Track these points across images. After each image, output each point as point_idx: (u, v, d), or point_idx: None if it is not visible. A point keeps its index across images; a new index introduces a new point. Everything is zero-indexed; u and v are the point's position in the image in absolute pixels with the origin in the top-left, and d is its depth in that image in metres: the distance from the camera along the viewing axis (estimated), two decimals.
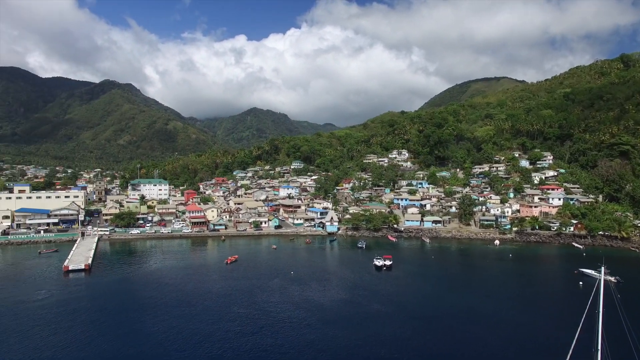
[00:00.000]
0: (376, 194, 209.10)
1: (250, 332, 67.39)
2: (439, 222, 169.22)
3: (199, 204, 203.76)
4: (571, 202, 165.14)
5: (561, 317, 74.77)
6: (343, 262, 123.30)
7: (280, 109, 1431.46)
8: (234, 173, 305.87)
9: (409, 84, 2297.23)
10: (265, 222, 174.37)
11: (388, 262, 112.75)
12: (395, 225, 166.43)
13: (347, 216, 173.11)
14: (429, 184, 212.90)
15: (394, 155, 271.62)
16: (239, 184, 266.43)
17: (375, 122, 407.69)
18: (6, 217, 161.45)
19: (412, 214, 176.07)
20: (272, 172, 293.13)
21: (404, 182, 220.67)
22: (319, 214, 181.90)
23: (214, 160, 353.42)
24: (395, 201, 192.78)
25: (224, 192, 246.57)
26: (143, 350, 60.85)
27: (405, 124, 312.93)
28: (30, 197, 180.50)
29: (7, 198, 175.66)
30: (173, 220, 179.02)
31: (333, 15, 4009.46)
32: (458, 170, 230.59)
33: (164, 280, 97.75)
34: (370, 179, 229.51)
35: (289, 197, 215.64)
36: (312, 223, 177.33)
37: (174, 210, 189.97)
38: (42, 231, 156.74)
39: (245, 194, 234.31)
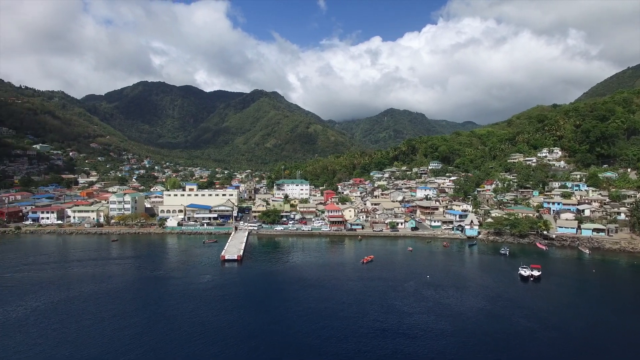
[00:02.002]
0: (522, 197, 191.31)
1: (381, 331, 69.11)
2: (601, 230, 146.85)
3: (338, 203, 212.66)
4: None
5: None
6: (483, 268, 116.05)
7: (417, 108, 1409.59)
8: (371, 174, 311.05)
9: (563, 72, 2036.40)
10: (401, 223, 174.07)
11: (536, 273, 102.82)
12: (545, 232, 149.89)
13: (489, 220, 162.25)
14: (588, 186, 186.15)
15: (543, 154, 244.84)
16: (376, 185, 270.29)
17: (521, 117, 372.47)
18: (180, 211, 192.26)
19: (567, 220, 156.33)
20: (409, 172, 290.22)
21: (556, 184, 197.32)
22: (457, 216, 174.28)
23: (351, 161, 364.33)
24: (545, 205, 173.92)
25: (361, 193, 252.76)
26: (283, 335, 67.34)
27: (558, 118, 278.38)
28: (197, 195, 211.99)
29: (181, 195, 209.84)
30: (313, 219, 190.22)
31: (471, 6, 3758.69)
32: (629, 170, 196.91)
33: (304, 275, 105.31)
34: (515, 180, 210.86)
35: (426, 198, 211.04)
36: (451, 226, 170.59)
37: (314, 209, 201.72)
38: (205, 224, 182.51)
39: (382, 194, 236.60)
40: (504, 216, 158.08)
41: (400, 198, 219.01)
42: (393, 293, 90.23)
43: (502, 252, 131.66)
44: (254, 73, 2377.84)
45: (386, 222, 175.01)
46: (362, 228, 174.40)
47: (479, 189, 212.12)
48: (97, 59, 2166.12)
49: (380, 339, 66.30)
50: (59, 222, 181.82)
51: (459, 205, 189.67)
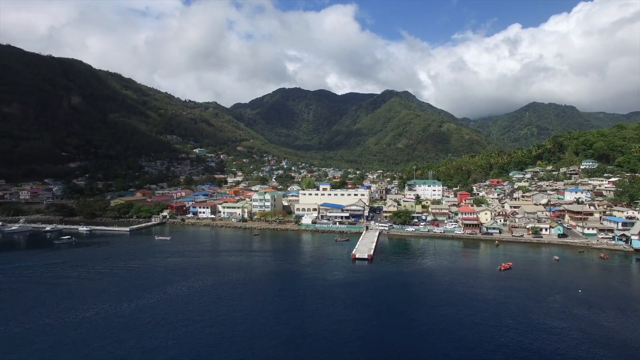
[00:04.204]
0: None
1: (520, 345, 63.48)
2: None
3: (472, 205, 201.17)
4: None
5: None
6: None
7: (566, 100, 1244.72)
8: (510, 174, 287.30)
9: None
10: (546, 229, 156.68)
11: None
12: None
13: None
14: None
15: None
16: (515, 186, 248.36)
17: None
18: (314, 210, 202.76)
19: None
20: (556, 173, 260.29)
21: None
22: (620, 224, 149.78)
23: (488, 161, 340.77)
24: None
25: (498, 194, 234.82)
26: (411, 338, 66.38)
27: None
28: (330, 194, 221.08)
29: (315, 194, 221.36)
30: (445, 221, 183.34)
31: None
32: None
33: (434, 278, 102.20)
34: None
35: (578, 202, 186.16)
36: (610, 235, 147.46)
37: (447, 211, 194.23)
38: (337, 223, 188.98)
39: (523, 196, 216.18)
40: None
41: (544, 201, 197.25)
42: (535, 306, 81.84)
43: None
44: (383, 73, 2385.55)
45: (527, 226, 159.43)
46: (500, 232, 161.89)
47: None
48: (240, 71, 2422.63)
49: (518, 353, 60.99)
50: (212, 216, 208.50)
51: (622, 212, 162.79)
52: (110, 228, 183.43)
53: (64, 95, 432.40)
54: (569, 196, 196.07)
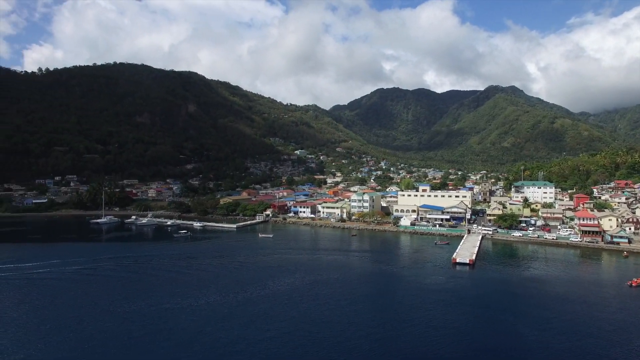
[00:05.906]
0: None
1: None
2: None
3: (592, 210, 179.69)
4: None
5: None
6: None
7: None
8: None
9: None
10: None
11: None
12: None
13: None
14: None
15: None
16: None
17: None
18: (414, 211, 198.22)
19: None
20: None
21: None
22: None
23: (613, 160, 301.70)
24: None
25: (627, 198, 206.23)
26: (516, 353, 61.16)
27: None
28: (429, 196, 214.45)
29: (414, 195, 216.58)
30: (559, 226, 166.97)
31: None
32: None
33: (545, 290, 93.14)
34: None
35: None
36: None
37: (560, 216, 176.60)
38: (437, 225, 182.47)
39: None
40: None
41: None
42: None
43: None
44: (486, 67, 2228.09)
45: None
46: (629, 242, 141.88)
47: None
48: (337, 73, 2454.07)
49: None
50: (312, 215, 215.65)
51: None
52: (220, 224, 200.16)
53: (182, 105, 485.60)
54: None
